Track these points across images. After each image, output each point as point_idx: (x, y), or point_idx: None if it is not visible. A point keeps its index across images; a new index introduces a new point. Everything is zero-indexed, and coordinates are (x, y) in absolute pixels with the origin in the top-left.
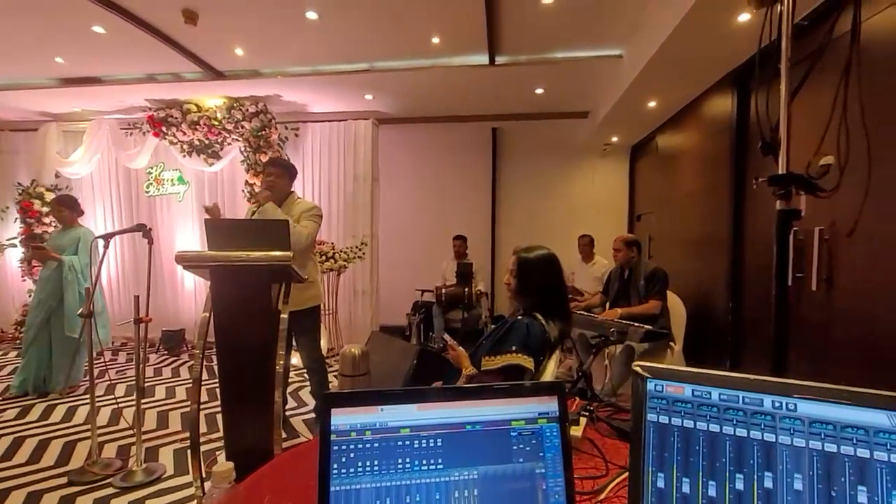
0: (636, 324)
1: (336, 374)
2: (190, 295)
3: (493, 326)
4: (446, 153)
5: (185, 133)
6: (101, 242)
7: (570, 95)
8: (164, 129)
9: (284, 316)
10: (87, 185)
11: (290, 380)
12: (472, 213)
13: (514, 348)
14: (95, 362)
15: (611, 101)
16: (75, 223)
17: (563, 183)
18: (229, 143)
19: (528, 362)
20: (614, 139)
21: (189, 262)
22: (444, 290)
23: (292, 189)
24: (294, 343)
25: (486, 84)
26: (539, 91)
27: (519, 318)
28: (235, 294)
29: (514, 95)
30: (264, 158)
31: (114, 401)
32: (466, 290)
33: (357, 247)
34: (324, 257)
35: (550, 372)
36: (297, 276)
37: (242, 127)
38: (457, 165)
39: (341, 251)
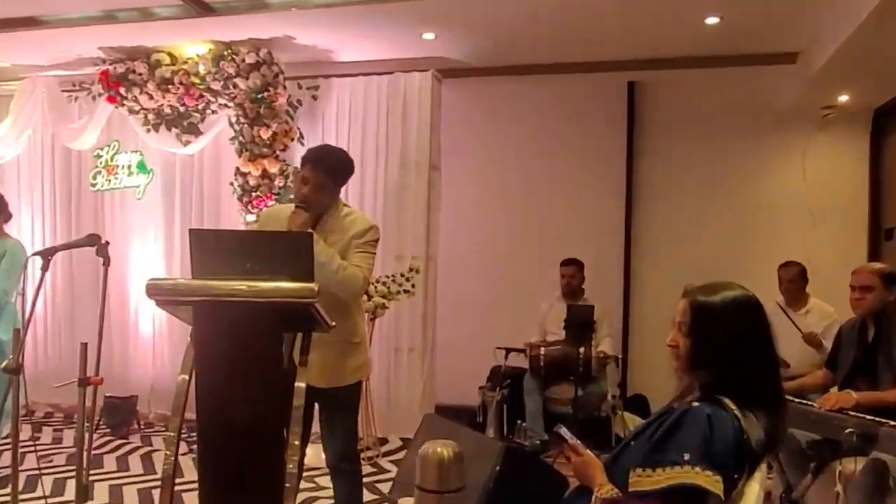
0: (892, 422)
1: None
2: (146, 344)
3: (647, 419)
4: (550, 125)
5: (151, 97)
6: (37, 261)
7: (764, 26)
8: (122, 91)
9: (301, 384)
10: (12, 173)
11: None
12: (591, 224)
13: (686, 458)
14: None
15: (841, 34)
16: (1, 232)
17: (749, 172)
18: (214, 112)
19: (712, 483)
20: (843, 98)
21: (164, 295)
22: (542, 351)
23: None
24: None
25: (619, 11)
26: (712, 20)
27: (695, 406)
28: (229, 347)
29: (668, 28)
30: (265, 134)
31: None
32: (582, 350)
33: (403, 275)
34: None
35: (753, 501)
36: (324, 321)
37: (235, 86)
38: (567, 145)
39: (378, 282)
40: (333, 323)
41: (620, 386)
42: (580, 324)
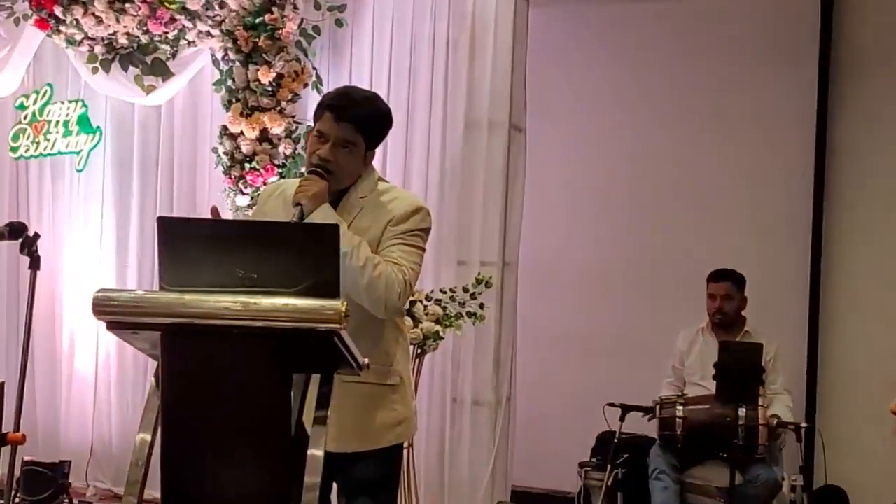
0: None
1: None
2: (85, 386)
3: None
4: (692, 70)
5: (100, 21)
6: None
7: None
8: (58, 12)
9: (317, 452)
10: None
11: None
12: (756, 219)
13: None
14: None
15: None
16: None
17: None
18: (191, 44)
19: None
20: None
21: (119, 314)
22: (680, 411)
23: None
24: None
25: None
26: None
27: None
28: (212, 394)
29: None
30: (266, 77)
31: None
32: (742, 412)
33: (468, 290)
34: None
35: None
36: (352, 358)
37: (222, 5)
38: (717, 100)
39: (430, 300)
40: (366, 360)
41: (804, 471)
42: (739, 370)
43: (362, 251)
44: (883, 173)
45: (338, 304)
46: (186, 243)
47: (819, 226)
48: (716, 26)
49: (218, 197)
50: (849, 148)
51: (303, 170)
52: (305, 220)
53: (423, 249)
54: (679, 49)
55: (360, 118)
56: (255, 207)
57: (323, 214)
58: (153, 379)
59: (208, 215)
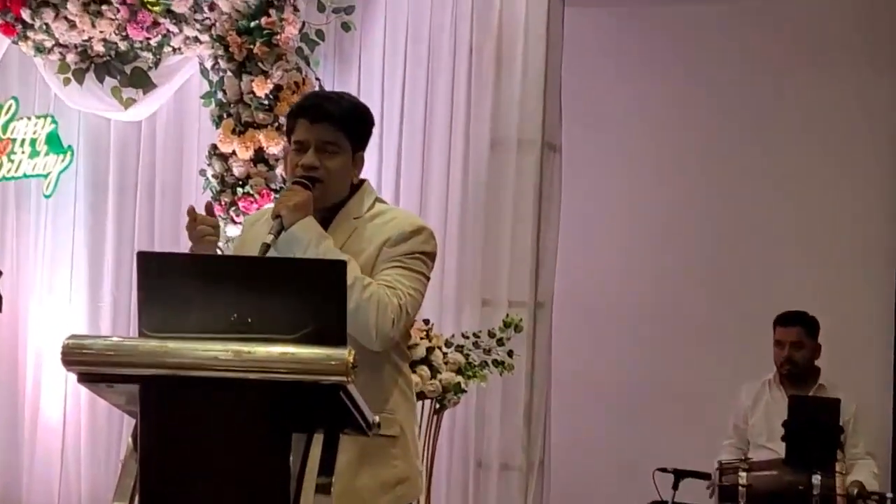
0: None
1: None
2: (51, 446)
3: None
4: (760, 78)
5: (73, 25)
6: None
7: None
8: (25, 15)
9: None
10: None
11: None
12: (833, 255)
13: None
14: None
15: None
16: None
17: None
18: (177, 51)
19: None
20: None
21: (93, 364)
22: (743, 478)
23: (363, 177)
24: None
25: None
26: None
27: None
28: (200, 457)
29: None
30: (262, 88)
31: None
32: (817, 479)
33: (494, 335)
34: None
35: None
36: (361, 417)
37: (213, 7)
38: (790, 114)
39: (450, 348)
40: (376, 418)
41: None
42: (813, 431)
43: (350, 270)
44: None
45: (344, 354)
46: (170, 282)
47: None
48: (785, 33)
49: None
50: None
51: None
52: (283, 234)
53: (426, 277)
54: (743, 58)
55: (337, 115)
56: (238, 238)
57: (305, 227)
58: (130, 440)
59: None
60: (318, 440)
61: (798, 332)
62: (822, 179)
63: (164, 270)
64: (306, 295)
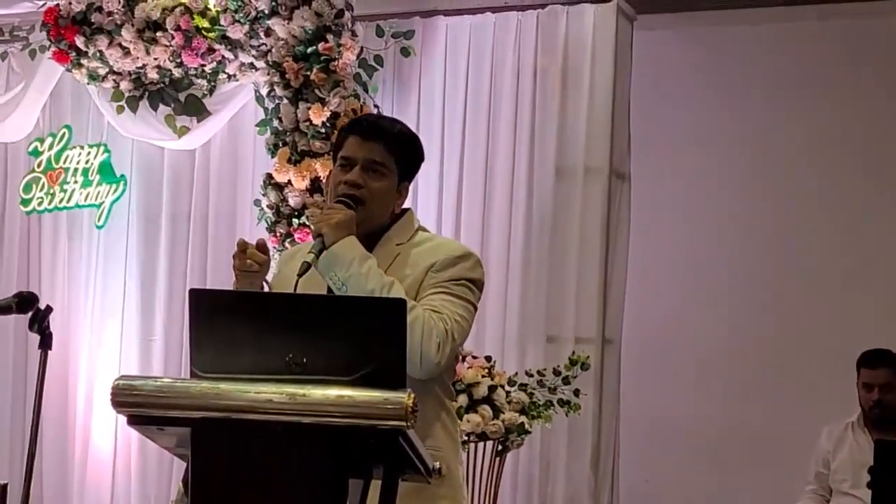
0: None
1: None
2: (100, 484)
3: None
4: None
5: (127, 52)
6: None
7: None
8: (79, 42)
9: None
10: None
11: None
12: None
13: None
14: None
15: None
16: None
17: None
18: (232, 78)
19: None
20: None
21: (141, 406)
22: None
23: (407, 206)
24: None
25: None
26: None
27: None
28: (251, 501)
29: None
30: (319, 116)
31: None
32: None
33: (561, 373)
34: (463, 401)
35: None
36: (421, 463)
37: (269, 33)
38: (873, 143)
39: (513, 386)
40: (437, 464)
41: None
42: None
43: (394, 292)
44: None
45: (403, 398)
46: (223, 321)
47: None
48: (868, 54)
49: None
50: None
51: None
52: (325, 253)
53: (473, 305)
54: (831, 80)
55: (389, 136)
56: (275, 276)
57: (347, 246)
58: (181, 484)
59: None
60: (375, 486)
61: (887, 373)
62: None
63: (217, 308)
64: (364, 334)
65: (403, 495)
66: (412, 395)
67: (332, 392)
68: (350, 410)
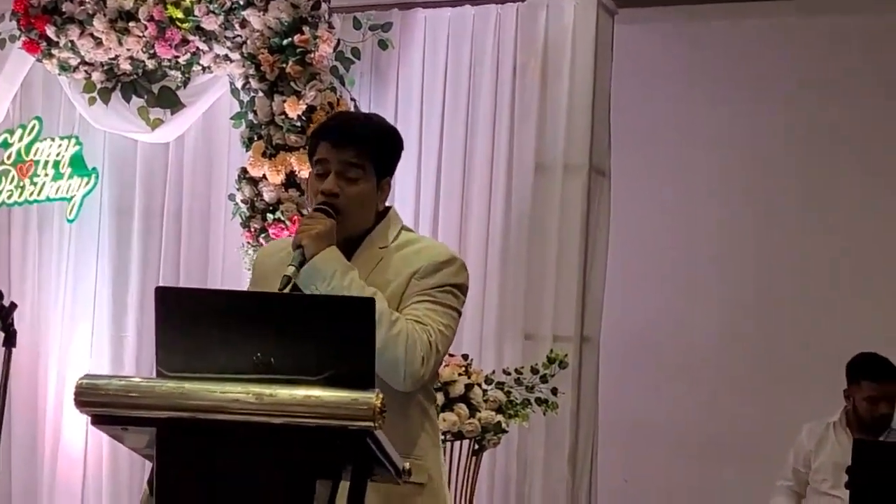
0: None
1: None
2: (70, 487)
3: None
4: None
5: (99, 43)
6: None
7: None
8: (50, 32)
9: None
10: None
11: None
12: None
13: None
14: None
15: None
16: None
17: None
18: (206, 70)
19: None
20: None
21: (105, 406)
22: None
23: (388, 203)
24: None
25: None
26: None
27: None
28: (218, 502)
29: None
30: (295, 109)
31: None
32: None
33: (538, 371)
34: (439, 399)
35: None
36: (390, 464)
37: (244, 24)
38: (857, 142)
39: (490, 384)
40: (406, 465)
41: None
42: (880, 478)
43: (377, 304)
44: None
45: (371, 398)
46: (190, 320)
47: None
48: (849, 50)
49: (234, 257)
50: None
51: None
52: (306, 266)
53: (458, 311)
54: (813, 75)
55: (362, 138)
56: (253, 273)
57: (328, 258)
58: (146, 486)
59: (220, 279)
60: (343, 488)
61: (893, 387)
62: (887, 210)
63: (183, 307)
64: (332, 334)
65: None
66: (380, 396)
67: (300, 392)
68: (318, 411)
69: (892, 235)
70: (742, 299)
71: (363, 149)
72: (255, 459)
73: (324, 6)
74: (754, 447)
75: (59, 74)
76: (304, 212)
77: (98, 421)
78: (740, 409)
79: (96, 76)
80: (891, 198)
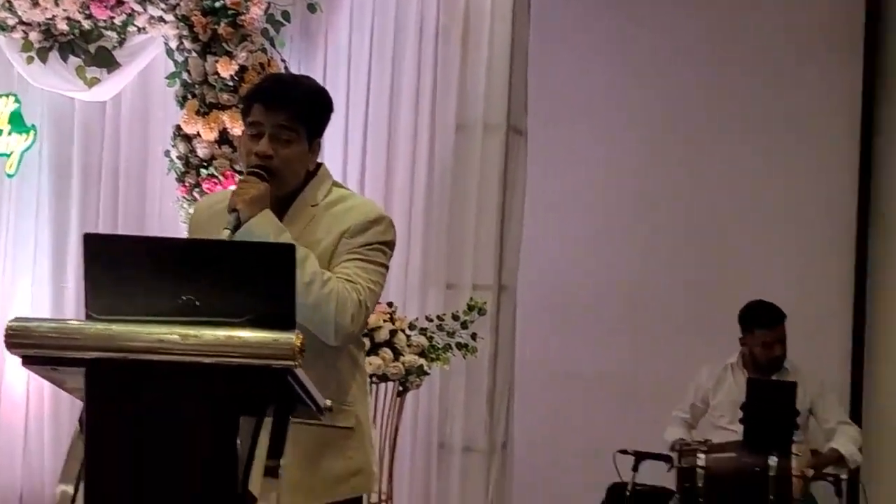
0: None
1: None
2: (14, 426)
3: None
4: (726, 64)
5: (36, 2)
6: None
7: None
8: None
9: None
10: None
11: None
12: (787, 242)
13: None
14: None
15: None
16: None
17: None
18: (141, 30)
19: None
20: None
21: (34, 347)
22: (702, 459)
23: (320, 161)
24: None
25: None
26: None
27: None
28: (146, 440)
29: None
30: (227, 69)
31: None
32: (774, 461)
33: (458, 318)
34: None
35: None
36: (311, 401)
37: None
38: (748, 103)
39: (413, 330)
40: (328, 402)
41: None
42: (770, 413)
43: (309, 265)
44: None
45: (291, 338)
46: (117, 265)
47: (864, 248)
48: (750, 19)
49: (170, 210)
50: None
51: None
52: (241, 229)
53: (386, 266)
54: (709, 43)
55: (295, 102)
56: (190, 223)
57: (263, 222)
58: (77, 423)
59: (157, 232)
60: (266, 424)
61: (782, 327)
62: (782, 167)
63: (111, 253)
64: (255, 278)
65: (316, 447)
66: (300, 336)
67: (223, 333)
68: (240, 350)
69: (788, 190)
70: (650, 251)
71: (296, 112)
72: (181, 397)
73: None
74: (666, 388)
75: None
76: (237, 167)
77: (28, 361)
78: (652, 354)
79: (34, 36)
80: (794, 159)
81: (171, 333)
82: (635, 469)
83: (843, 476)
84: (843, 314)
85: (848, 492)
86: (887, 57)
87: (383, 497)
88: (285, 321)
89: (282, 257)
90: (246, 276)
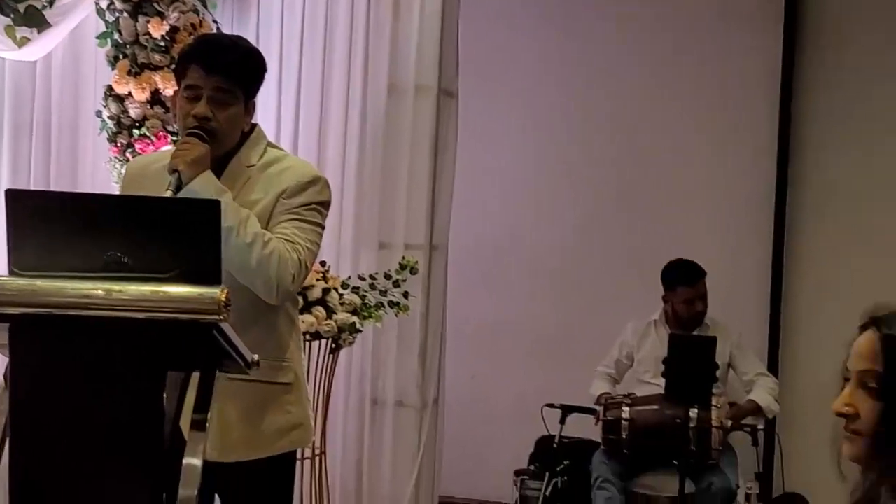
0: None
1: None
2: None
3: None
4: (648, 31)
5: None
6: None
7: None
8: None
9: (195, 461)
10: None
11: None
12: (709, 203)
13: None
14: None
15: None
16: None
17: None
18: None
19: None
20: None
21: None
22: (626, 412)
23: (255, 121)
24: None
25: None
26: None
27: None
28: (71, 396)
29: None
30: (158, 29)
31: None
32: (695, 414)
33: (390, 277)
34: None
35: None
36: (237, 355)
37: None
38: (673, 67)
39: (346, 289)
40: (256, 357)
41: (761, 477)
42: (691, 367)
43: (250, 226)
44: (850, 155)
45: (216, 293)
46: (41, 221)
47: (782, 209)
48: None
49: (102, 170)
50: (816, 134)
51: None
52: (183, 190)
53: (322, 226)
54: (637, 7)
55: (233, 64)
56: (123, 183)
57: (204, 182)
58: (1, 378)
59: (90, 188)
60: (194, 379)
61: (703, 284)
62: (704, 131)
63: (34, 208)
64: (180, 234)
65: (255, 403)
66: (225, 290)
67: (148, 288)
68: (166, 305)
69: (709, 150)
70: (582, 212)
71: (234, 74)
72: (107, 352)
73: None
74: (593, 345)
75: None
76: (170, 128)
77: None
78: (579, 312)
79: None
80: (717, 123)
81: (95, 289)
82: (562, 422)
83: (760, 426)
84: (763, 271)
85: (765, 441)
86: (806, 23)
87: (317, 451)
88: (211, 276)
89: (207, 212)
90: (172, 232)
